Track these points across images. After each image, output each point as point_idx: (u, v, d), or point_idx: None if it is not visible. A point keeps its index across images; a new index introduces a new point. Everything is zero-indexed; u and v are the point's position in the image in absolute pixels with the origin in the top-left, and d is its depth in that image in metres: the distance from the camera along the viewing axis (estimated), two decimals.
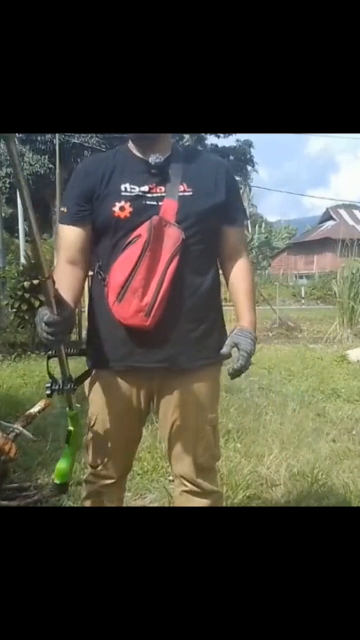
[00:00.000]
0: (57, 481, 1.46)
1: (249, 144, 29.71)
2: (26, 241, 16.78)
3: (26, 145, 21.77)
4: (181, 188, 1.40)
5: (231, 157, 28.27)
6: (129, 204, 1.37)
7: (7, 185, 22.32)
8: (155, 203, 1.38)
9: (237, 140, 29.95)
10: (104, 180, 1.40)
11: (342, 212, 35.34)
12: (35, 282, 6.58)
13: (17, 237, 17.28)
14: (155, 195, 1.39)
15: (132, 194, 1.38)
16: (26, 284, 6.64)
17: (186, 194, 1.40)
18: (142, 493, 2.58)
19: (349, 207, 36.24)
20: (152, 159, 1.40)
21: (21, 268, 7.38)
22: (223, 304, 1.55)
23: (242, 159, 29.55)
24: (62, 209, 1.45)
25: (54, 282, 1.15)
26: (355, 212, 35.41)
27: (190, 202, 1.39)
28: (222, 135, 27.41)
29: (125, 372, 1.43)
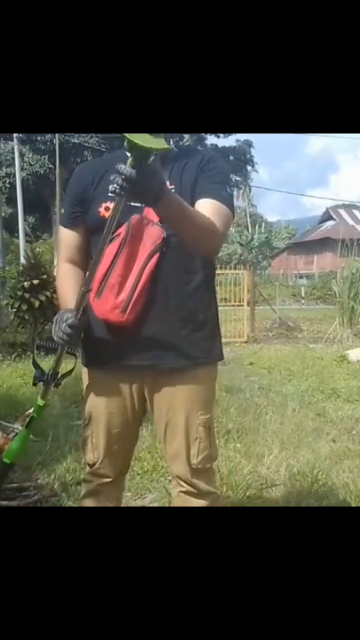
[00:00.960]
0: (6, 460, 1.52)
1: (249, 144, 29.72)
2: (26, 241, 16.79)
3: (26, 145, 21.76)
4: (167, 185, 1.38)
5: (231, 157, 28.27)
6: (113, 204, 1.37)
7: (7, 185, 22.32)
8: (139, 204, 1.36)
9: (237, 140, 29.98)
10: (94, 183, 1.45)
11: (342, 212, 35.32)
12: (36, 282, 6.59)
13: (17, 237, 17.26)
14: None
15: None
16: (26, 284, 6.63)
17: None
18: (142, 493, 2.57)
19: (349, 207, 36.23)
20: None
21: (21, 268, 7.36)
22: (221, 303, 1.54)
23: (242, 159, 29.56)
24: (61, 210, 1.54)
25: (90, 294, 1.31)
26: (355, 212, 35.39)
27: None
28: (222, 135, 27.40)
29: (116, 370, 1.44)
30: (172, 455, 1.50)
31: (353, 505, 2.45)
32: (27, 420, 1.52)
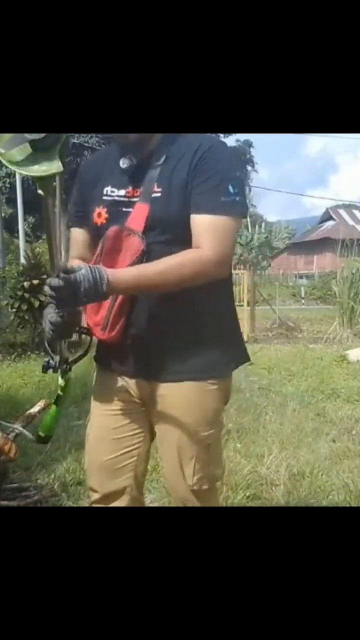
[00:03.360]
0: (41, 434, 1.47)
1: (249, 144, 29.78)
2: (26, 241, 16.77)
3: None
4: (154, 188, 1.25)
5: None
6: (105, 209, 1.31)
7: (7, 186, 22.30)
8: (130, 209, 1.27)
9: (237, 140, 29.99)
10: (92, 183, 1.37)
11: (342, 212, 35.32)
12: (35, 282, 6.59)
13: (17, 237, 17.25)
14: (132, 199, 1.28)
15: (111, 199, 1.32)
16: (26, 284, 6.63)
17: (156, 195, 1.25)
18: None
19: (348, 207, 36.22)
20: (122, 162, 1.29)
21: (21, 268, 7.37)
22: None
23: (242, 159, 29.58)
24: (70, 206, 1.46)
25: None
26: (355, 212, 35.39)
27: (160, 204, 1.24)
28: (222, 135, 27.43)
29: (115, 374, 1.38)
30: (167, 471, 1.42)
31: (353, 505, 2.45)
32: (55, 398, 1.46)
